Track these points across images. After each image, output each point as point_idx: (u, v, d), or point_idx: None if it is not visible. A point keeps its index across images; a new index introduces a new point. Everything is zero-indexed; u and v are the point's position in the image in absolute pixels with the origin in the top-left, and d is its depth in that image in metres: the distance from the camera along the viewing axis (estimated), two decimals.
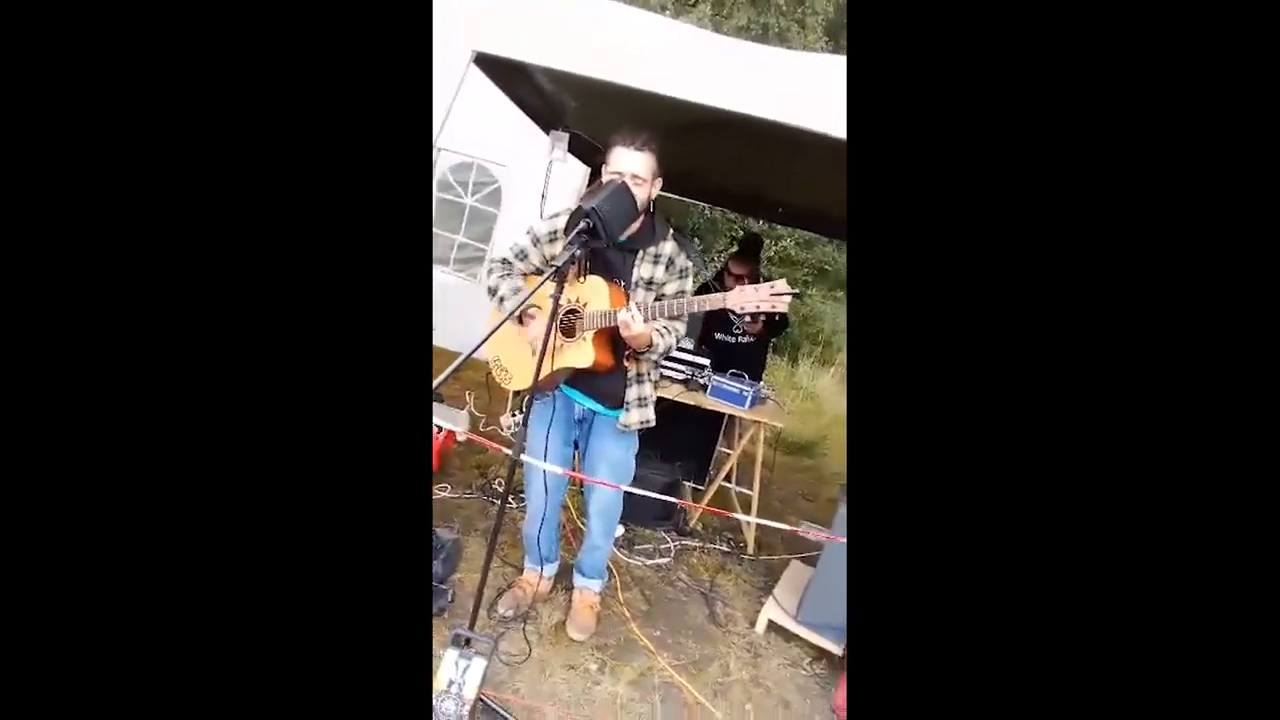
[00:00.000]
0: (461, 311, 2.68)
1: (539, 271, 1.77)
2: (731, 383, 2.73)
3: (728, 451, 3.28)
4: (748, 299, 1.44)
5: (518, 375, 1.78)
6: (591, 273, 1.66)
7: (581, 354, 1.64)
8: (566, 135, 2.83)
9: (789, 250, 8.00)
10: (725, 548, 2.72)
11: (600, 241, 1.41)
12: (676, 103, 1.82)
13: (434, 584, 1.86)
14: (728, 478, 2.96)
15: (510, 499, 2.58)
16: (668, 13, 6.12)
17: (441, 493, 2.53)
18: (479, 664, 1.41)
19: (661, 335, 1.61)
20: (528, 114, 2.70)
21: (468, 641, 1.46)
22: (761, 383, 2.99)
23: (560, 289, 1.35)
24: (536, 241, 1.75)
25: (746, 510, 2.92)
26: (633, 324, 1.49)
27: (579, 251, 1.36)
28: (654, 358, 1.67)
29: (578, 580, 1.99)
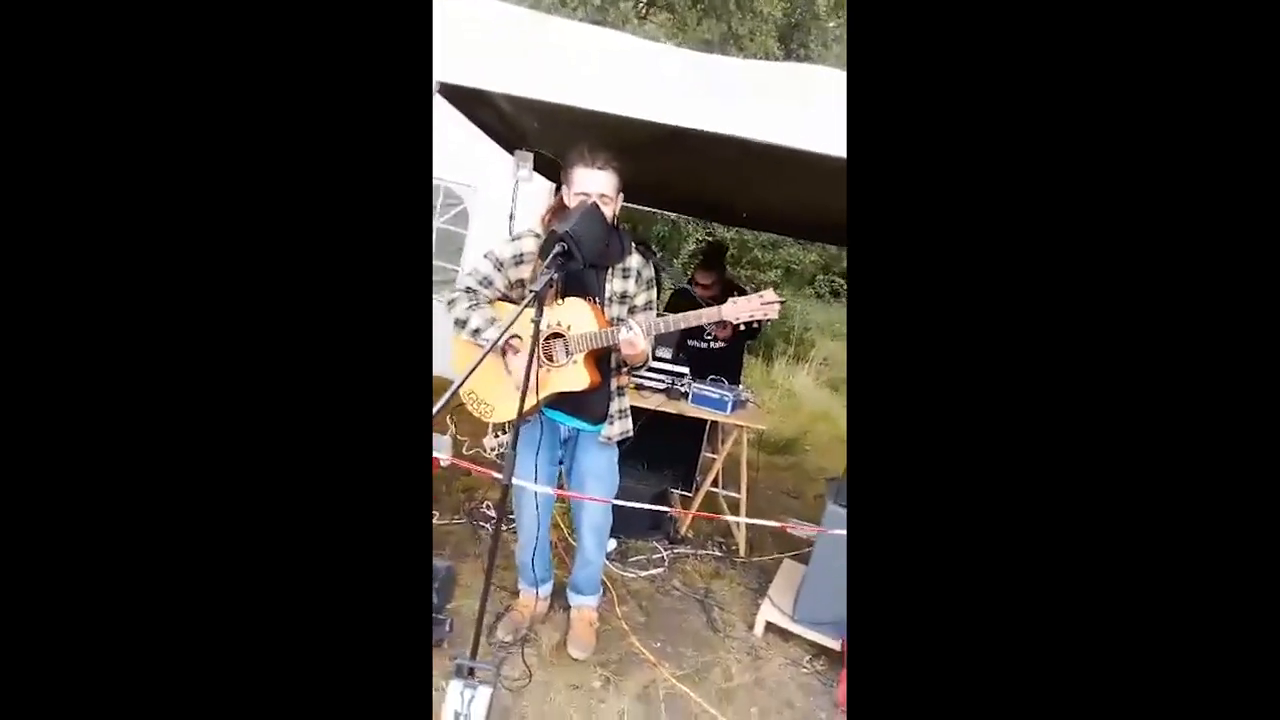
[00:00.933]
0: (435, 334, 2.66)
1: (506, 297, 1.75)
2: (711, 389, 2.76)
3: (712, 456, 3.31)
4: (740, 310, 1.48)
5: (500, 406, 1.77)
6: (566, 294, 1.67)
7: (575, 377, 1.64)
8: (531, 154, 2.84)
9: (755, 253, 8.12)
10: (718, 553, 2.75)
11: (577, 264, 1.42)
12: (636, 122, 1.85)
13: (432, 615, 1.84)
14: (715, 482, 2.98)
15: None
16: (628, 26, 6.18)
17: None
18: (484, 692, 1.40)
19: (651, 348, 1.64)
20: (491, 136, 2.70)
21: (470, 671, 1.45)
22: (740, 386, 3.03)
23: (540, 314, 1.36)
24: (500, 266, 1.72)
25: (735, 513, 2.95)
26: (638, 342, 1.51)
27: (556, 276, 1.38)
28: (642, 371, 1.69)
29: (574, 599, 1.99)
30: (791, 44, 8.00)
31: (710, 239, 7.38)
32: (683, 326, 1.58)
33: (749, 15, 7.05)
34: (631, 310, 1.69)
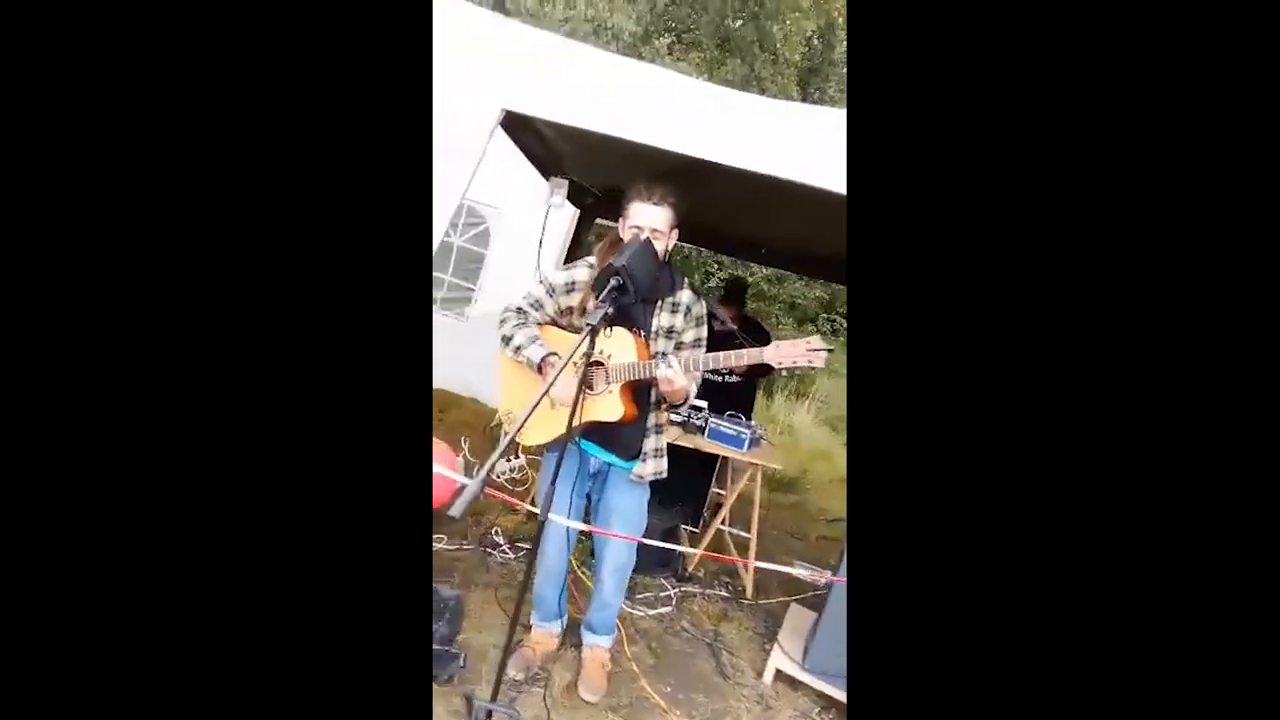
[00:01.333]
0: (448, 351, 2.66)
1: (554, 322, 1.78)
2: (729, 425, 2.76)
3: (721, 493, 3.29)
4: (783, 355, 1.48)
5: (534, 429, 1.77)
6: (612, 324, 1.68)
7: (610, 407, 1.64)
8: (566, 182, 2.88)
9: (761, 286, 8.20)
10: (725, 593, 2.71)
11: (630, 298, 1.43)
12: (665, 153, 1.88)
13: (442, 647, 1.80)
14: (724, 520, 2.96)
15: (508, 551, 2.54)
16: (659, 63, 6.33)
17: (437, 543, 2.46)
18: None
19: (695, 386, 1.63)
20: (531, 160, 2.74)
21: (489, 714, 1.42)
22: (755, 423, 3.03)
23: (593, 346, 1.36)
24: (552, 291, 1.76)
25: (742, 552, 2.93)
26: (675, 379, 1.51)
27: (611, 310, 1.38)
28: (683, 409, 1.69)
29: (588, 638, 1.95)
30: (810, 88, 8.19)
31: (729, 274, 7.46)
32: (723, 366, 1.58)
33: (771, 58, 7.23)
34: (679, 346, 1.69)
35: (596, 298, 1.43)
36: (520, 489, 3.02)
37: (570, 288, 1.75)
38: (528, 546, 2.61)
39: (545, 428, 1.74)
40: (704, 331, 1.74)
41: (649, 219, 1.60)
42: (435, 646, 1.79)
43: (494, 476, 3.08)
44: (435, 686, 1.69)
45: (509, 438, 1.17)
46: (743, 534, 2.94)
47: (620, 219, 1.71)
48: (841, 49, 9.02)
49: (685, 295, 1.72)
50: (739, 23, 7.63)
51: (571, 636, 2.03)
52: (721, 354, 1.56)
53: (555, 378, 1.32)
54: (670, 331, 1.70)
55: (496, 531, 2.64)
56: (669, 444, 2.68)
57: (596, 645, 1.94)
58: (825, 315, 8.78)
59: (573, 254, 4.20)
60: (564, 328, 1.79)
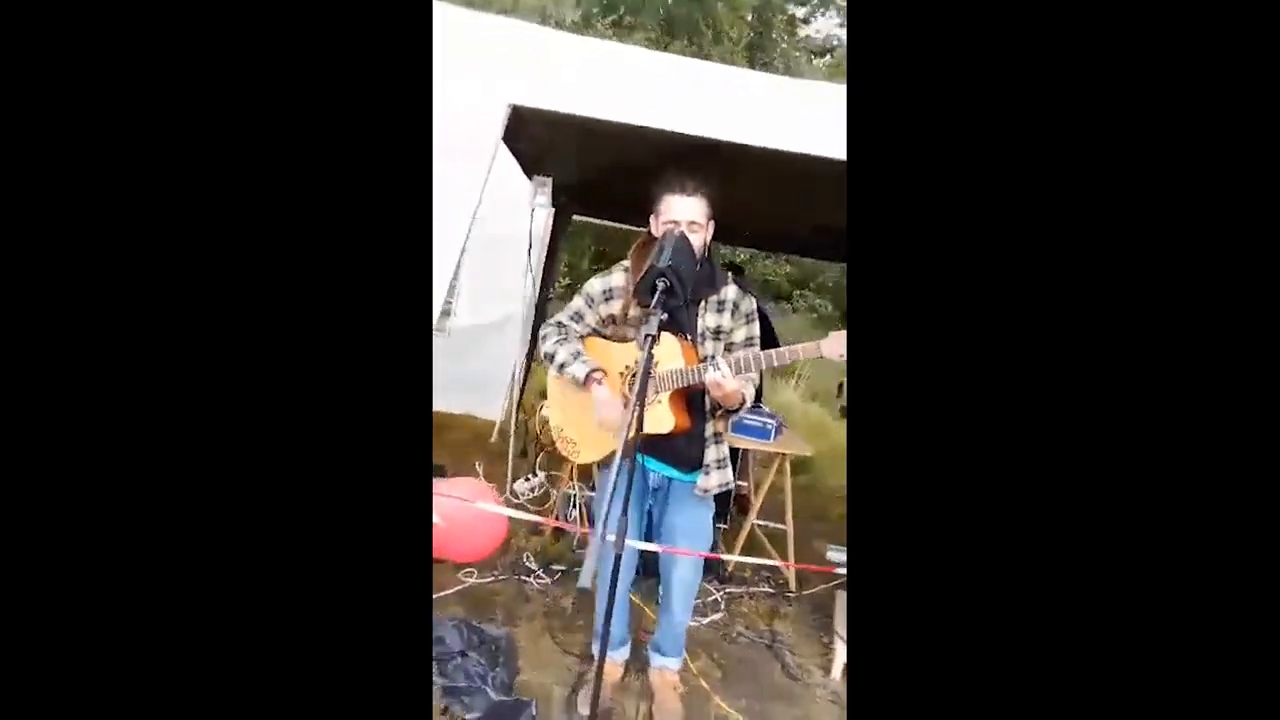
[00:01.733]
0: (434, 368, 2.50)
1: (596, 333, 1.66)
2: (753, 417, 2.67)
3: (742, 485, 3.21)
4: (839, 345, 1.36)
5: (586, 445, 1.63)
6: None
7: (659, 418, 1.52)
8: (549, 181, 2.71)
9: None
10: (769, 589, 2.64)
11: (678, 300, 1.30)
12: (694, 139, 1.75)
13: (506, 697, 1.66)
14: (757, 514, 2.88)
15: (544, 575, 2.39)
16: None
17: (467, 578, 2.30)
18: None
19: (751, 388, 1.52)
20: (517, 159, 2.57)
21: None
22: (776, 412, 2.95)
23: (650, 358, 1.23)
24: (591, 302, 1.64)
25: (775, 544, 2.86)
26: (725, 383, 1.39)
27: (664, 316, 1.25)
28: (740, 413, 1.57)
29: (657, 660, 1.84)
30: (756, 65, 8.13)
31: (725, 260, 7.36)
32: (776, 365, 1.47)
33: (717, 35, 7.13)
34: (729, 348, 1.58)
35: (642, 304, 1.31)
36: (543, 508, 2.87)
37: (609, 295, 1.63)
38: (563, 569, 2.47)
39: (597, 444, 1.61)
40: (755, 329, 1.62)
41: (684, 211, 1.48)
42: (496, 696, 1.65)
43: (515, 497, 2.92)
44: None
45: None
46: (776, 525, 2.87)
47: (652, 216, 1.58)
48: (780, 19, 9.00)
49: (731, 291, 1.60)
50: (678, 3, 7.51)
51: (635, 662, 1.91)
52: (774, 352, 1.44)
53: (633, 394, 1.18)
54: (718, 332, 1.58)
55: (528, 557, 2.48)
56: None
57: (666, 668, 1.83)
58: (798, 291, 8.82)
59: (553, 254, 4.03)
60: (608, 337, 1.66)
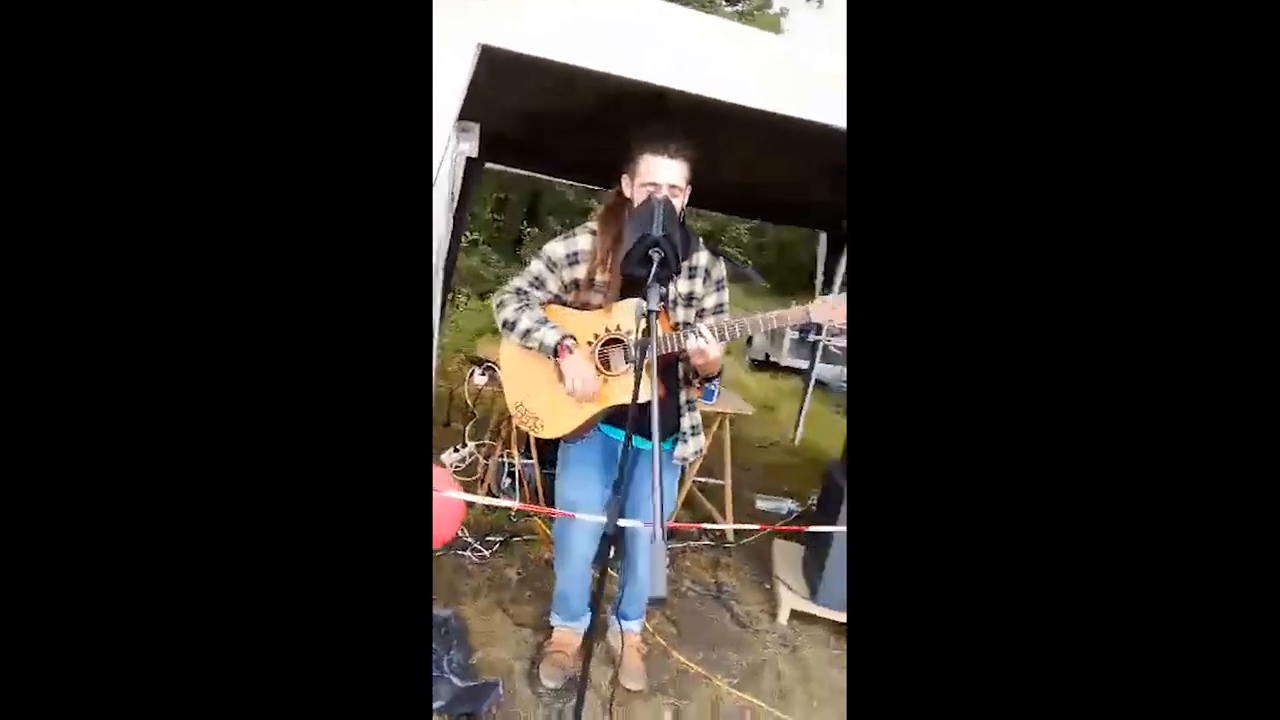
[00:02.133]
0: None
1: (558, 299, 1.55)
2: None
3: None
4: (827, 311, 1.36)
5: (551, 420, 1.53)
6: (623, 294, 1.47)
7: (642, 390, 1.44)
8: (476, 127, 2.46)
9: None
10: (709, 542, 2.70)
11: (670, 271, 1.22)
12: (679, 94, 1.59)
13: (467, 682, 1.57)
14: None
15: (481, 549, 2.28)
16: None
17: None
18: None
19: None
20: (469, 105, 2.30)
21: None
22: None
23: (650, 332, 1.15)
24: (553, 266, 1.53)
25: (713, 499, 2.93)
26: (709, 350, 1.34)
27: (664, 289, 1.17)
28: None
29: (624, 625, 1.81)
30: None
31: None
32: (763, 330, 1.45)
33: None
34: (700, 314, 1.53)
35: (633, 275, 1.22)
36: (471, 479, 2.72)
37: (573, 259, 1.52)
38: (500, 539, 2.37)
39: (564, 417, 1.51)
40: (725, 295, 1.58)
41: (667, 174, 1.39)
42: (458, 682, 1.55)
43: (444, 467, 2.75)
44: None
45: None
46: (714, 481, 2.93)
47: (624, 176, 1.47)
48: None
49: (703, 257, 1.54)
50: None
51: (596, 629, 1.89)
52: (761, 317, 1.41)
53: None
54: (690, 299, 1.53)
55: (463, 530, 2.35)
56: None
57: (630, 630, 1.82)
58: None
59: (464, 206, 3.73)
60: (569, 304, 1.55)
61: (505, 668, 1.72)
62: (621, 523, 1.50)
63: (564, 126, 2.35)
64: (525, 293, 1.52)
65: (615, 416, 1.52)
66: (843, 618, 2.15)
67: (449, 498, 1.59)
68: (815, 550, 2.31)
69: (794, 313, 1.38)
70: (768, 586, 2.39)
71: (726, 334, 1.39)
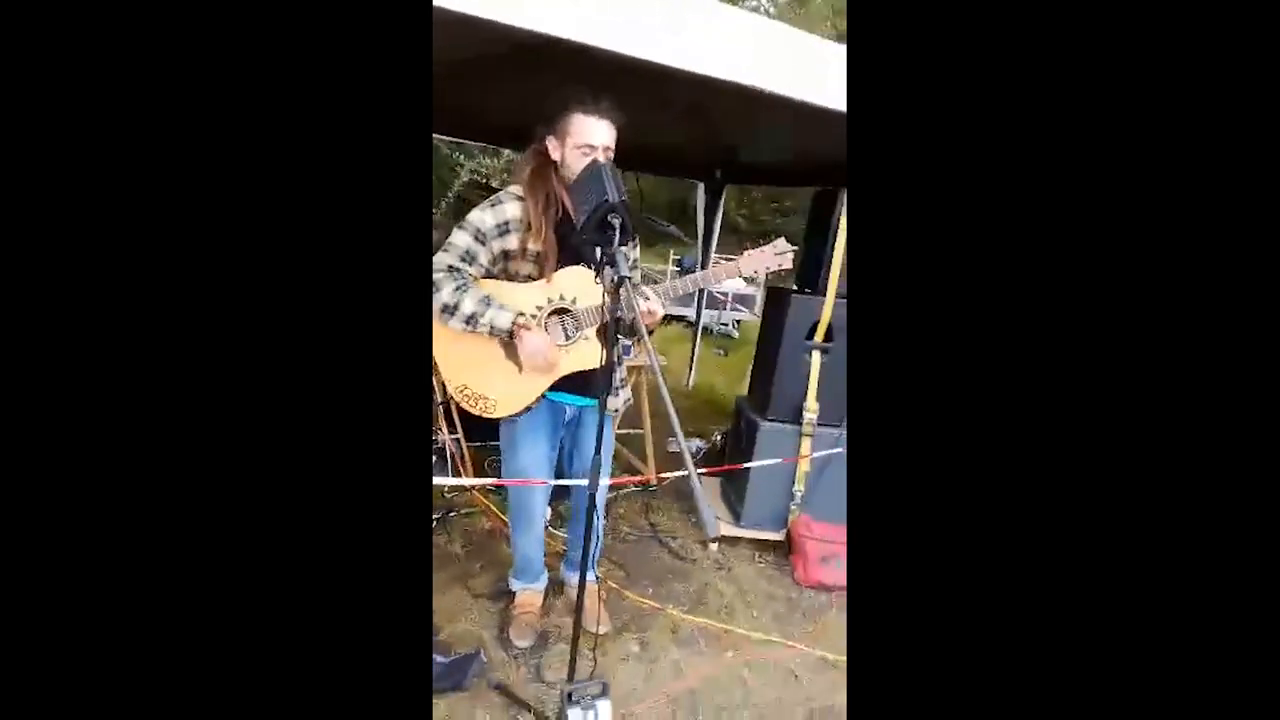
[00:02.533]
0: None
1: (489, 274, 1.53)
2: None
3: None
4: (755, 263, 1.49)
5: (503, 398, 1.55)
6: (559, 263, 1.50)
7: (590, 354, 1.51)
8: None
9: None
10: (634, 487, 2.87)
11: (629, 235, 1.27)
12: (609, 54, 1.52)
13: (445, 655, 1.62)
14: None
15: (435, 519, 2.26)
16: None
17: None
18: (605, 706, 1.35)
19: None
20: None
21: (570, 696, 1.37)
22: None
23: (617, 304, 1.22)
24: (482, 238, 1.48)
25: (633, 447, 3.09)
26: (658, 310, 1.43)
27: (636, 256, 1.22)
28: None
29: (576, 577, 1.93)
30: None
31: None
32: (702, 286, 1.56)
33: None
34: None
35: (592, 242, 1.25)
36: None
37: (503, 229, 1.49)
38: (438, 515, 2.37)
39: (517, 394, 1.54)
40: (637, 252, 1.66)
41: (601, 135, 1.41)
42: (440, 658, 1.60)
43: None
44: (457, 699, 1.53)
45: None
46: (634, 431, 3.08)
47: (549, 136, 1.46)
48: None
49: None
50: None
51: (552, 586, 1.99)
52: (699, 274, 1.52)
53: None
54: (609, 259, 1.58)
55: None
56: None
57: (590, 581, 1.94)
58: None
59: None
60: (497, 276, 1.53)
61: (475, 638, 1.78)
62: (604, 482, 1.58)
63: (477, 83, 2.18)
64: (459, 270, 1.46)
65: (560, 383, 1.57)
66: (764, 535, 2.44)
67: None
68: (733, 481, 2.57)
69: (726, 267, 1.51)
70: (694, 520, 2.63)
71: (671, 293, 1.49)
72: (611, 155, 1.43)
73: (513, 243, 1.49)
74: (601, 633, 1.85)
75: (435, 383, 2.25)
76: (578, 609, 1.36)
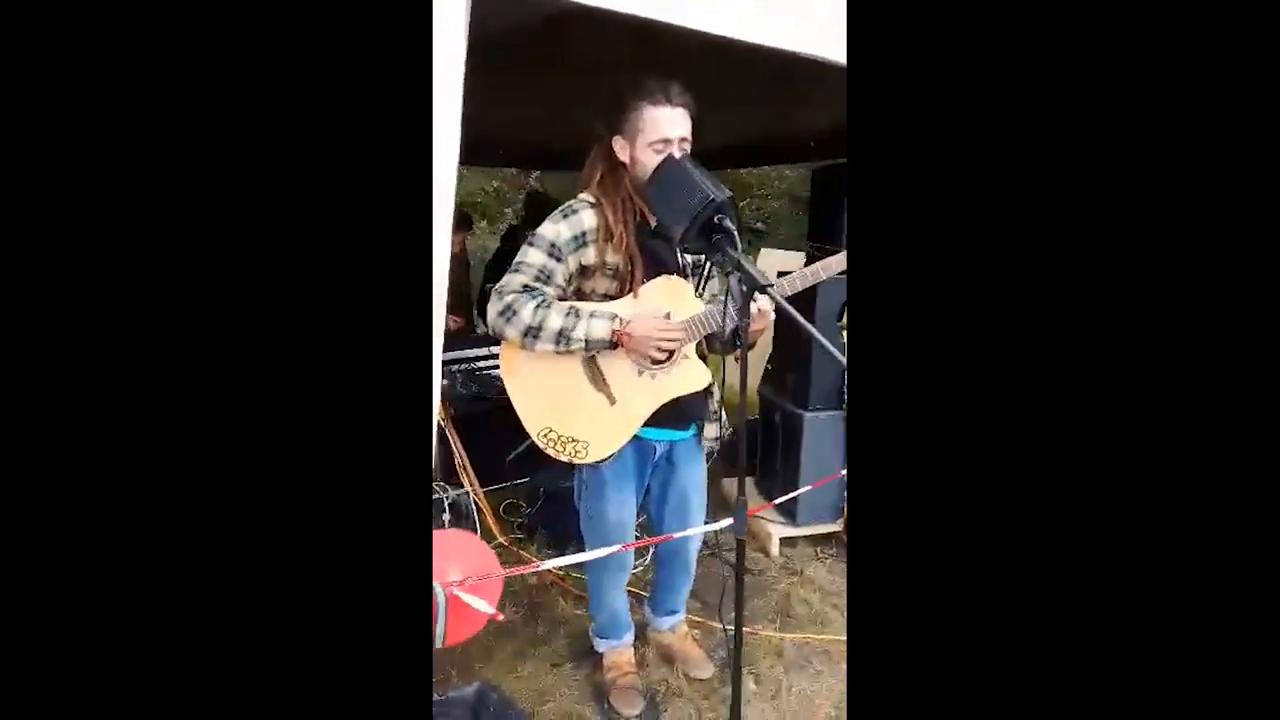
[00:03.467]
0: None
1: (562, 295, 1.32)
2: None
3: None
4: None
5: (596, 438, 1.33)
6: (646, 274, 1.31)
7: (696, 375, 1.33)
8: None
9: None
10: None
11: (734, 240, 1.09)
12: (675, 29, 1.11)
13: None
14: None
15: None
16: None
17: None
18: None
19: None
20: None
21: None
22: None
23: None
24: (557, 253, 1.28)
25: None
26: (770, 313, 1.25)
27: (750, 259, 1.05)
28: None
29: (670, 622, 1.74)
30: None
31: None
32: (811, 283, 1.36)
33: None
34: (706, 281, 1.41)
35: (693, 250, 1.08)
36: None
37: (581, 241, 1.29)
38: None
39: (610, 431, 1.33)
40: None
41: (677, 127, 1.24)
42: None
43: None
44: None
45: None
46: None
47: (616, 136, 1.29)
48: None
49: None
50: None
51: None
52: (810, 270, 1.32)
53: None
54: (696, 266, 1.41)
55: None
56: None
57: (678, 624, 1.75)
58: None
59: None
60: (569, 298, 1.33)
61: (579, 717, 1.55)
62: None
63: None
64: (536, 290, 1.26)
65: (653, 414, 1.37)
66: (823, 529, 2.33)
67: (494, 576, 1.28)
68: (772, 478, 2.44)
69: (826, 264, 1.33)
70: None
71: (788, 289, 1.31)
72: (689, 147, 1.25)
73: (590, 256, 1.29)
74: (706, 677, 1.67)
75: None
76: (735, 652, 1.17)
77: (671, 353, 1.31)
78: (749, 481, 2.63)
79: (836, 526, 2.35)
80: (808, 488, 2.23)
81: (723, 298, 1.32)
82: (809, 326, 0.95)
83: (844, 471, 2.30)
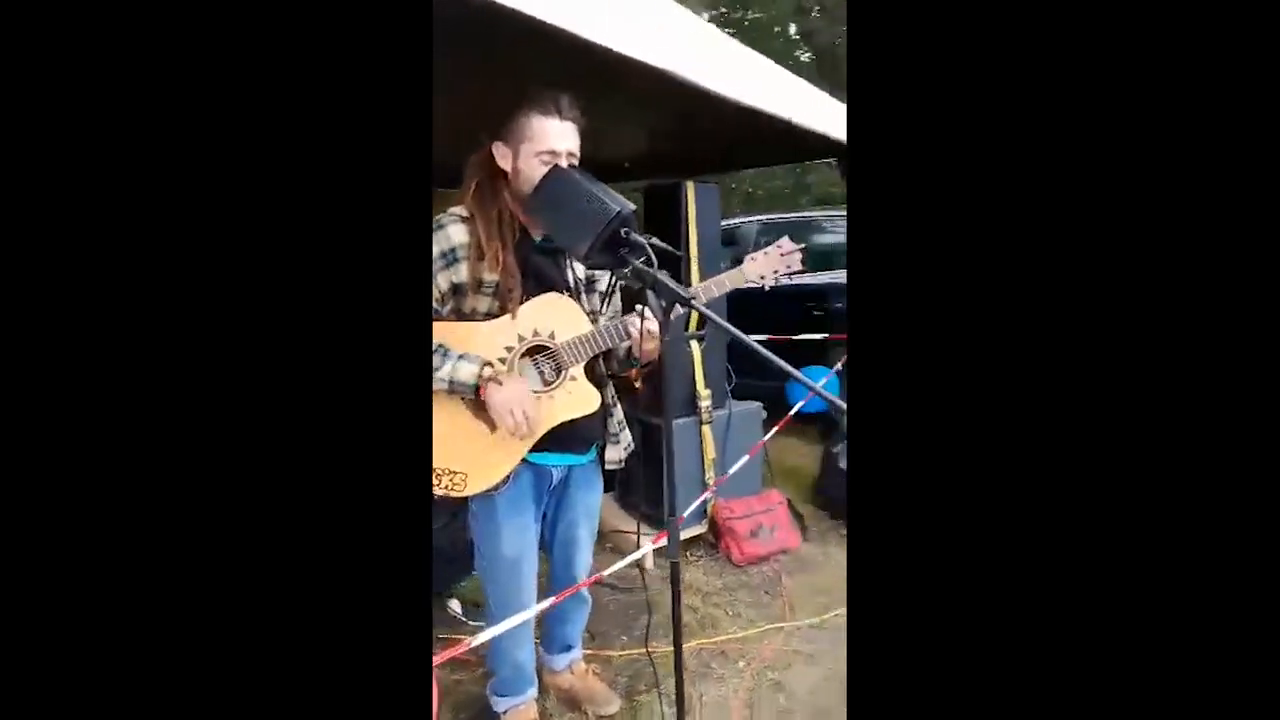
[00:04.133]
0: None
1: (438, 316, 1.20)
2: None
3: None
4: (762, 267, 1.34)
5: (476, 470, 1.20)
6: (528, 292, 1.22)
7: (584, 397, 1.25)
8: None
9: None
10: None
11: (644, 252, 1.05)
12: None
13: None
14: None
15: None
16: None
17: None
18: None
19: None
20: None
21: None
22: None
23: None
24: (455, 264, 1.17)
25: None
26: (660, 331, 1.23)
27: (663, 273, 1.01)
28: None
29: (567, 659, 1.62)
30: None
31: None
32: (716, 295, 1.34)
33: None
34: (600, 297, 1.35)
35: (598, 265, 1.03)
36: None
37: (450, 258, 1.18)
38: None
39: (492, 461, 1.21)
40: (606, 273, 1.41)
41: (566, 141, 1.17)
42: None
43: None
44: None
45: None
46: None
47: (497, 143, 1.20)
48: None
49: None
50: None
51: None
52: (705, 284, 1.31)
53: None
54: (590, 283, 1.34)
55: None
56: None
57: (576, 660, 1.64)
58: None
59: None
60: (447, 318, 1.21)
61: None
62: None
63: None
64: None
65: (544, 440, 1.27)
66: (691, 533, 2.40)
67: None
68: (637, 491, 2.46)
69: (731, 275, 1.33)
70: (608, 546, 2.45)
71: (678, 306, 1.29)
72: (576, 162, 1.20)
73: (463, 273, 1.17)
74: (613, 712, 1.59)
75: None
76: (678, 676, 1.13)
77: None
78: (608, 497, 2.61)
79: (701, 529, 2.44)
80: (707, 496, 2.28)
81: (616, 319, 1.28)
82: (739, 333, 0.95)
83: (709, 477, 2.41)
